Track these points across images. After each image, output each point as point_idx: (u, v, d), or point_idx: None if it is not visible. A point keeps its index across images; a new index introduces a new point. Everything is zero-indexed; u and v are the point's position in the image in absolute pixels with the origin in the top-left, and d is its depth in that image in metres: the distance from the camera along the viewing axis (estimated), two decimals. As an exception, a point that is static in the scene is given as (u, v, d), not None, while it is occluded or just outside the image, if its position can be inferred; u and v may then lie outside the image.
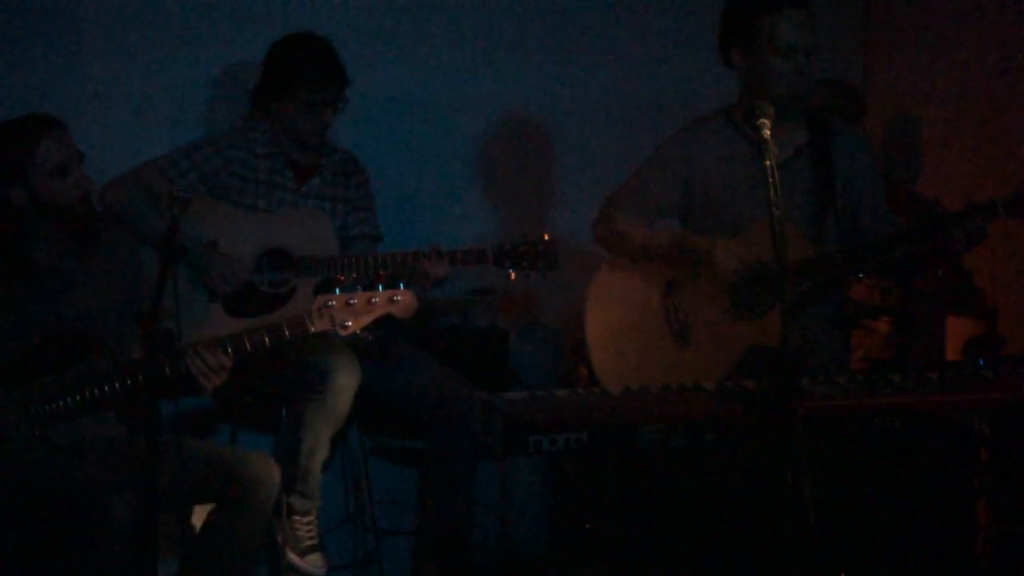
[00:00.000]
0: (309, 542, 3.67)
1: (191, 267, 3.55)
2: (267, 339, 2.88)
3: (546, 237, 3.40)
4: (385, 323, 2.98)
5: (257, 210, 3.68)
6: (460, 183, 4.42)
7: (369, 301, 2.86)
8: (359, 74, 3.75)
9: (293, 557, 3.66)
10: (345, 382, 3.50)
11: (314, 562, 3.66)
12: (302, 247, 3.60)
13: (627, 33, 4.52)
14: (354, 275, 3.51)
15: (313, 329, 2.86)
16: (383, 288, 2.88)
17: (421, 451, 3.88)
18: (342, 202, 3.80)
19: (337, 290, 2.89)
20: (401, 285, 2.89)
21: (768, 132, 2.68)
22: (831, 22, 4.69)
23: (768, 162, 2.58)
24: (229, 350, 2.88)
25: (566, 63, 4.48)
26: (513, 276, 3.48)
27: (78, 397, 2.89)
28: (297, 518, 3.64)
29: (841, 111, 4.09)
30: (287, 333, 2.88)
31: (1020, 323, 3.79)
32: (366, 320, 2.88)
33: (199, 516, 3.20)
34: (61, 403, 2.89)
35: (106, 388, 2.90)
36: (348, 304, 2.86)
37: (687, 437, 2.51)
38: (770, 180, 2.52)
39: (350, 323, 2.86)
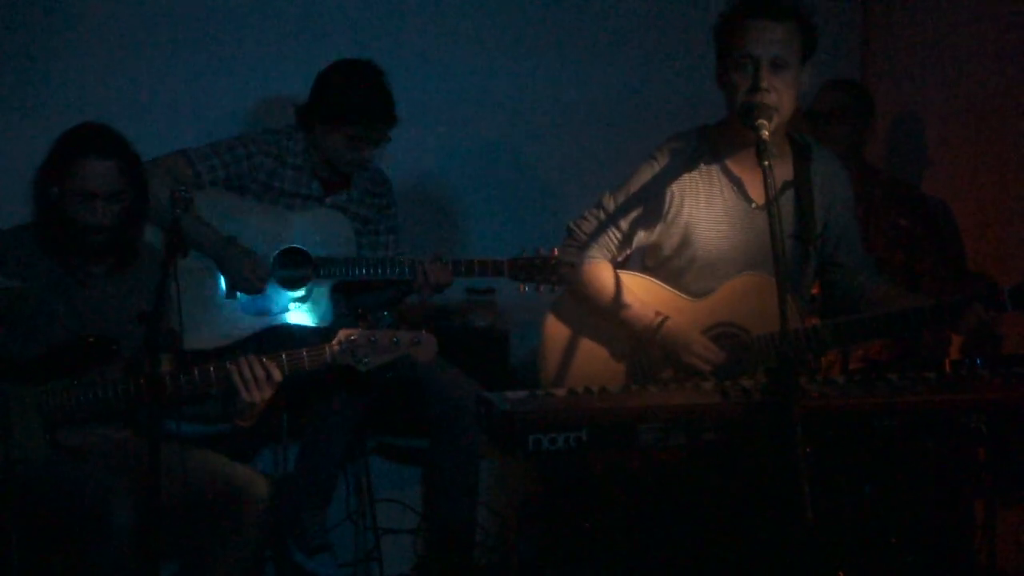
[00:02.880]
0: (318, 541, 3.69)
1: (214, 261, 3.54)
2: (286, 363, 2.92)
3: (555, 252, 3.43)
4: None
5: (276, 208, 3.68)
6: (466, 190, 4.44)
7: (392, 340, 2.89)
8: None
9: (301, 557, 3.67)
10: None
11: (323, 561, 3.69)
12: (319, 246, 3.61)
13: (636, 39, 4.54)
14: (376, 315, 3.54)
15: (332, 362, 2.91)
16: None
17: (422, 450, 3.89)
18: (362, 221, 3.79)
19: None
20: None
21: (767, 133, 2.69)
22: (830, 22, 4.70)
23: (766, 162, 2.59)
24: (284, 360, 2.90)
25: (577, 70, 4.50)
26: (523, 289, 3.55)
27: (91, 402, 2.93)
28: (306, 517, 3.65)
29: (851, 113, 4.08)
30: (307, 362, 2.92)
31: (1017, 322, 3.79)
32: (386, 358, 2.92)
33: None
34: (73, 407, 2.92)
35: (117, 394, 2.93)
36: (371, 341, 2.89)
37: (687, 437, 2.52)
38: (767, 181, 2.52)
39: (370, 360, 2.90)
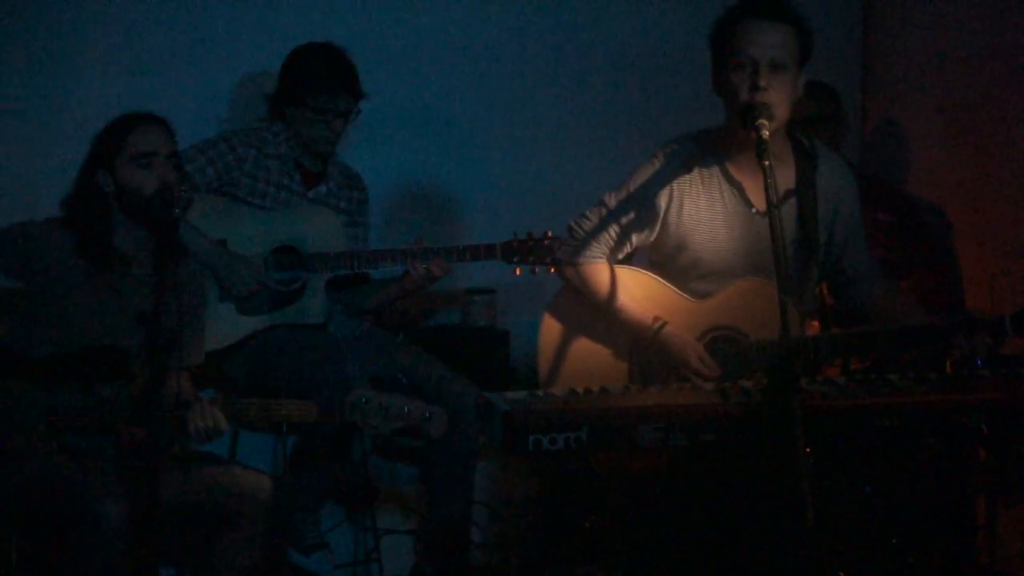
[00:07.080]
0: (313, 540, 3.69)
1: (206, 267, 3.55)
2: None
3: (549, 234, 3.49)
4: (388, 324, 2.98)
5: (264, 209, 3.70)
6: (464, 186, 4.44)
7: (403, 409, 2.90)
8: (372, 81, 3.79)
9: (298, 556, 3.67)
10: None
11: (320, 559, 3.69)
12: (310, 243, 3.63)
13: (627, 36, 4.54)
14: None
15: (342, 418, 2.93)
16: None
17: (421, 450, 3.88)
18: (345, 213, 3.82)
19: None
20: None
21: (767, 133, 2.69)
22: (830, 23, 4.70)
23: (766, 162, 2.59)
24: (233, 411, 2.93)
25: (570, 65, 4.50)
26: (518, 271, 3.58)
27: (96, 419, 2.94)
28: (299, 516, 3.65)
29: (826, 119, 4.05)
30: (315, 418, 2.95)
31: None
32: (394, 426, 2.92)
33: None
34: (79, 421, 2.94)
35: (124, 415, 2.94)
36: (382, 406, 2.91)
37: (687, 437, 2.52)
38: (767, 181, 2.52)
39: (379, 425, 2.91)
